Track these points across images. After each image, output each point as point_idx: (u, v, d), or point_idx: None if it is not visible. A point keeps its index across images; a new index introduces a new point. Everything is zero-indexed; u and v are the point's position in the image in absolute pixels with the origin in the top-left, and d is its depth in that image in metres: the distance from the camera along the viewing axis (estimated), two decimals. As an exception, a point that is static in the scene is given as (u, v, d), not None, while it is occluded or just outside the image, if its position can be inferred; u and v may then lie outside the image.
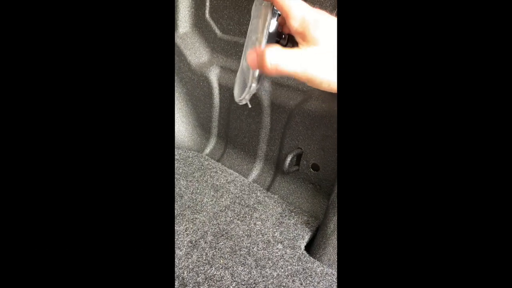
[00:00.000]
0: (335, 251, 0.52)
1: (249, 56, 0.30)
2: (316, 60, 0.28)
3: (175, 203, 0.63)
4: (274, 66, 0.28)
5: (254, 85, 0.33)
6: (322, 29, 0.27)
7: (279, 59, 0.28)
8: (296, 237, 0.57)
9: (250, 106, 0.36)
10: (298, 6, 0.29)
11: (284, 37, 0.33)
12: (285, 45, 0.32)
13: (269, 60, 0.28)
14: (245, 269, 0.50)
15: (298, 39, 0.29)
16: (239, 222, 0.59)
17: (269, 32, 0.31)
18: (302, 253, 0.54)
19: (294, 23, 0.28)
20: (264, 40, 0.31)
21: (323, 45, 0.27)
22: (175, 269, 0.49)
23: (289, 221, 0.61)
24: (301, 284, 0.48)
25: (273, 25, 0.31)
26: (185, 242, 0.54)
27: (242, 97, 0.35)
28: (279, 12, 0.31)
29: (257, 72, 0.32)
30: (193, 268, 0.49)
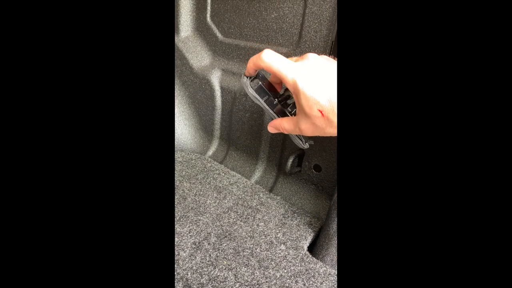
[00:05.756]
0: (338, 251, 0.52)
1: (269, 130, 0.41)
2: (310, 128, 0.34)
3: (179, 205, 0.64)
4: (285, 131, 0.39)
5: (301, 139, 0.45)
6: (311, 103, 0.32)
7: (285, 128, 0.38)
8: (299, 238, 0.57)
9: (312, 143, 0.47)
10: (288, 69, 0.33)
11: (290, 95, 0.41)
12: (284, 100, 0.42)
13: (280, 129, 0.39)
14: (248, 270, 0.50)
15: (294, 97, 0.35)
16: (242, 223, 0.60)
17: (270, 109, 0.41)
18: (305, 253, 0.54)
19: (288, 86, 0.34)
20: (272, 114, 0.41)
21: (313, 119, 0.33)
22: (179, 270, 0.50)
23: (291, 222, 0.61)
24: (304, 284, 0.49)
25: (268, 102, 0.41)
26: (189, 243, 0.55)
27: (302, 146, 0.46)
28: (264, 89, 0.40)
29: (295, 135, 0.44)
30: (196, 269, 0.50)
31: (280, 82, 0.41)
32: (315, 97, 0.31)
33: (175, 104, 0.87)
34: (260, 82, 0.39)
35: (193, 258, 0.52)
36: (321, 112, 0.32)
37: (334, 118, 0.31)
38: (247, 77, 0.39)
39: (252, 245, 0.55)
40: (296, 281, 0.49)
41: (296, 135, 0.44)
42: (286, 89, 0.41)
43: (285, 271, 0.50)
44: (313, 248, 0.57)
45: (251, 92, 0.39)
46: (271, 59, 0.34)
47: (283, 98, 0.41)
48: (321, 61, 0.33)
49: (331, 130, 0.33)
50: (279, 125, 0.39)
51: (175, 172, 0.75)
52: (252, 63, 0.36)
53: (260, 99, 0.40)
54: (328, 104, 0.31)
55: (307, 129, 0.34)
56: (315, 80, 0.32)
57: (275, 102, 0.40)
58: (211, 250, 0.53)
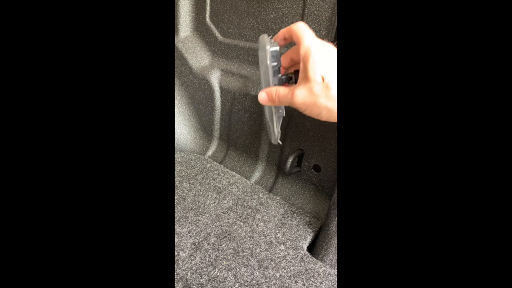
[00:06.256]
0: (337, 251, 0.52)
1: (260, 96, 0.40)
2: (305, 94, 0.35)
3: (178, 205, 0.64)
4: (277, 99, 0.38)
5: (277, 130, 0.44)
6: (317, 68, 0.33)
7: (278, 94, 0.38)
8: (299, 238, 0.57)
9: (281, 143, 0.46)
10: (308, 37, 0.36)
11: (291, 77, 0.40)
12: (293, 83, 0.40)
13: (273, 96, 0.38)
14: (248, 270, 0.50)
15: (301, 66, 0.35)
16: (241, 223, 0.60)
17: (273, 76, 0.39)
18: (304, 253, 0.54)
19: (301, 51, 0.35)
20: (271, 82, 0.39)
21: (312, 83, 0.34)
22: (179, 270, 0.50)
23: (291, 222, 0.61)
24: (304, 284, 0.49)
25: (275, 69, 0.39)
26: (189, 244, 0.55)
27: (273, 139, 0.45)
28: (276, 61, 0.39)
29: (274, 121, 0.43)
30: (196, 270, 0.50)
31: (286, 68, 0.42)
32: (323, 64, 0.34)
33: (175, 104, 0.87)
34: (279, 47, 0.39)
35: (192, 258, 0.52)
36: (322, 78, 0.33)
37: (332, 86, 0.33)
38: (269, 36, 0.39)
39: (251, 245, 0.55)
40: (296, 281, 0.49)
41: (275, 127, 0.43)
42: (288, 73, 0.41)
43: (285, 271, 0.50)
44: (313, 248, 0.57)
45: (268, 49, 0.38)
46: (302, 26, 0.37)
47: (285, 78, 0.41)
48: (335, 49, 0.36)
49: (323, 100, 0.34)
50: (275, 91, 0.39)
51: (175, 172, 0.75)
52: (286, 28, 0.39)
53: (271, 63, 0.39)
54: (331, 74, 0.33)
55: (301, 95, 0.35)
56: (327, 55, 0.34)
57: (279, 75, 0.40)
58: (210, 250, 0.53)
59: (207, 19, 0.77)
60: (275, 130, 0.44)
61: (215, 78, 0.79)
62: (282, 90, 0.38)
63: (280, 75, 0.40)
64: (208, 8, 0.76)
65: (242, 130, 0.78)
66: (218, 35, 0.77)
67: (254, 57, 0.71)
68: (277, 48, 0.39)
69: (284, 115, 0.44)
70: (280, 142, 0.46)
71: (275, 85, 0.40)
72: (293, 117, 0.66)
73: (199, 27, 0.80)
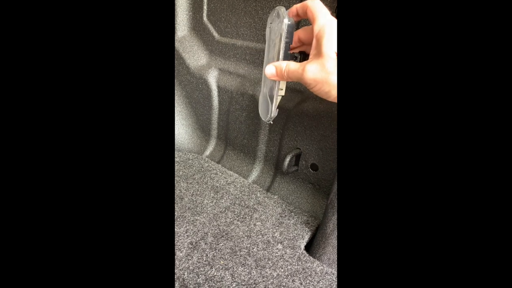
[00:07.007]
0: (335, 250, 0.52)
1: (267, 69, 0.39)
2: (317, 70, 0.34)
3: (176, 205, 0.64)
4: (286, 74, 0.37)
5: (275, 108, 0.42)
6: (331, 45, 0.33)
7: (288, 69, 0.37)
8: (296, 237, 0.57)
9: (272, 123, 0.46)
10: (324, 15, 0.35)
11: (297, 56, 0.40)
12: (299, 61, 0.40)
13: (283, 70, 0.38)
14: (245, 269, 0.50)
15: (313, 42, 0.35)
16: (239, 223, 0.60)
17: (284, 52, 0.38)
18: (302, 252, 0.54)
19: (316, 28, 0.34)
20: (281, 57, 0.39)
21: (325, 59, 0.33)
22: (176, 270, 0.49)
23: (288, 221, 0.61)
24: (301, 283, 0.49)
25: (286, 45, 0.38)
26: (186, 243, 0.54)
27: (267, 118, 0.44)
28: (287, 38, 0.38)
29: (274, 98, 0.41)
30: (193, 269, 0.50)
31: (291, 48, 0.41)
32: (336, 41, 0.33)
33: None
34: (294, 21, 0.37)
35: (189, 258, 0.52)
36: (337, 55, 0.33)
37: None
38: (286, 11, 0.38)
39: (249, 245, 0.55)
40: (293, 280, 0.49)
41: (273, 105, 0.42)
42: (293, 53, 0.41)
43: (282, 270, 0.50)
44: (310, 247, 0.57)
45: (286, 22, 0.37)
46: (318, 2, 0.36)
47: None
48: None
49: (335, 78, 0.33)
50: (285, 65, 0.38)
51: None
52: (301, 4, 0.37)
53: (285, 38, 0.38)
54: None
55: (312, 71, 0.34)
56: None
57: (289, 51, 0.39)
58: (208, 250, 0.53)
59: (204, 18, 0.77)
60: (273, 109, 0.42)
61: (212, 78, 0.79)
62: (293, 65, 0.37)
63: (288, 52, 0.39)
64: (205, 7, 0.76)
65: (239, 129, 0.78)
66: (215, 34, 0.77)
67: (252, 56, 0.71)
68: (293, 23, 0.37)
69: (284, 94, 0.42)
70: (271, 122, 0.45)
71: (283, 58, 0.39)
72: (291, 116, 0.65)
73: (196, 26, 0.80)
